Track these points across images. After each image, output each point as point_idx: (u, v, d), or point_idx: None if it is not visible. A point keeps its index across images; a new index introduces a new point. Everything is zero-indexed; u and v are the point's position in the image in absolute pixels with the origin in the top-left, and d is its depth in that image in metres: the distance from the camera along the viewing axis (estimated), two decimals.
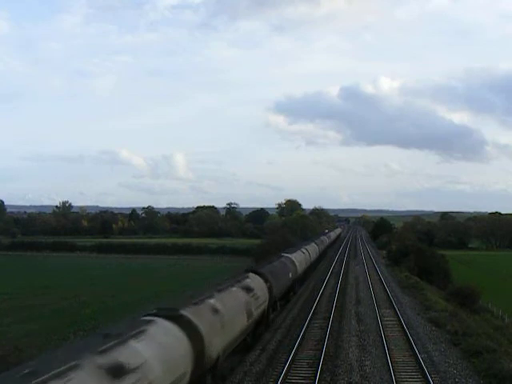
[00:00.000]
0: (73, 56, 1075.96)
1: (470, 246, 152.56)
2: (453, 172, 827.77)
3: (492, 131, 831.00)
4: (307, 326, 24.95)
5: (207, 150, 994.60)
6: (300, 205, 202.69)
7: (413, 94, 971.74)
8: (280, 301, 26.81)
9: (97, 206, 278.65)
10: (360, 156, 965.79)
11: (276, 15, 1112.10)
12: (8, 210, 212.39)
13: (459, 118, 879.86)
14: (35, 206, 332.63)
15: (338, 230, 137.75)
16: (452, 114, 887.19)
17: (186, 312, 12.10)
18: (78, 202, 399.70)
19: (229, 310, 14.88)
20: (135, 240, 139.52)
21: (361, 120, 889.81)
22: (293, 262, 32.27)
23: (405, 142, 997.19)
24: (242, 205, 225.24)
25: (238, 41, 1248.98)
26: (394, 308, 30.76)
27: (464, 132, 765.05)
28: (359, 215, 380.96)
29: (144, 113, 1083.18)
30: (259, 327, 21.40)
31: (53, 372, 7.12)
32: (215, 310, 13.77)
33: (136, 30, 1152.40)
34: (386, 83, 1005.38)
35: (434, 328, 25.52)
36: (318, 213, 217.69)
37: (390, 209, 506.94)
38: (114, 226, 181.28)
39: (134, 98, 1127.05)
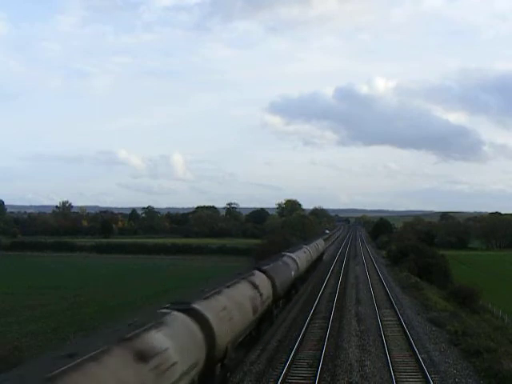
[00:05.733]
0: (71, 56, 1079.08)
1: (470, 246, 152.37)
2: (451, 172, 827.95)
3: (488, 131, 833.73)
4: (307, 326, 24.97)
5: (205, 150, 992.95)
6: (300, 205, 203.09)
7: (408, 94, 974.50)
8: None
9: (97, 206, 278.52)
10: (358, 156, 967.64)
11: (271, 16, 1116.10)
12: (8, 210, 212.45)
13: (455, 118, 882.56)
14: (35, 206, 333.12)
15: (320, 245, 62.64)
16: (448, 114, 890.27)
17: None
18: (77, 202, 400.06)
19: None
20: (135, 240, 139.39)
21: (356, 120, 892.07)
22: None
23: (402, 142, 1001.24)
24: (242, 205, 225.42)
25: (233, 42, 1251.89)
26: (394, 308, 30.78)
27: (461, 132, 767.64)
28: (359, 215, 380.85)
29: (141, 113, 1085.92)
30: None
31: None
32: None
33: (132, 31, 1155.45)
34: (381, 83, 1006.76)
35: (433, 328, 25.55)
36: (318, 213, 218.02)
37: (390, 209, 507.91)
38: (113, 226, 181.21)
39: (131, 99, 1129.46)
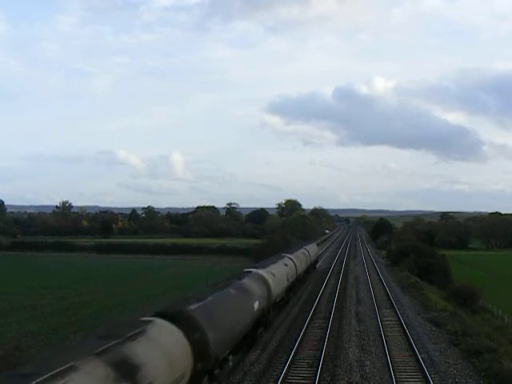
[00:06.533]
0: (71, 56, 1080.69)
1: (470, 246, 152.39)
2: (451, 172, 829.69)
3: (488, 131, 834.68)
4: (307, 326, 24.96)
5: (205, 150, 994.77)
6: (300, 205, 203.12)
7: (407, 94, 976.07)
8: None
9: (97, 206, 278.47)
10: (357, 156, 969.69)
11: (270, 16, 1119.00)
12: (8, 210, 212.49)
13: (454, 118, 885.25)
14: (35, 206, 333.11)
15: (312, 251, 49.06)
16: (447, 114, 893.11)
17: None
18: (77, 202, 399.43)
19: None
20: (135, 240, 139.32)
21: (356, 120, 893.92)
22: None
23: (401, 142, 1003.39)
24: (242, 205, 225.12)
25: (233, 42, 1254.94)
26: (394, 308, 30.78)
27: (460, 132, 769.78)
28: (359, 215, 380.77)
29: (141, 113, 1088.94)
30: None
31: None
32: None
33: (132, 31, 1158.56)
34: (381, 83, 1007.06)
35: (433, 328, 25.54)
36: (318, 213, 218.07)
37: (390, 209, 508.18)
38: (113, 226, 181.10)
39: (131, 99, 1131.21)
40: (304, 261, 39.26)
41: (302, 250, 42.17)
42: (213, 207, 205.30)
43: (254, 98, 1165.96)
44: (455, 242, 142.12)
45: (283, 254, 33.67)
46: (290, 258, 32.54)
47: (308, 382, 16.91)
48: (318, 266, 56.19)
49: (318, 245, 71.43)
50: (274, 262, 27.69)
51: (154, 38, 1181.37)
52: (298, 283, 35.49)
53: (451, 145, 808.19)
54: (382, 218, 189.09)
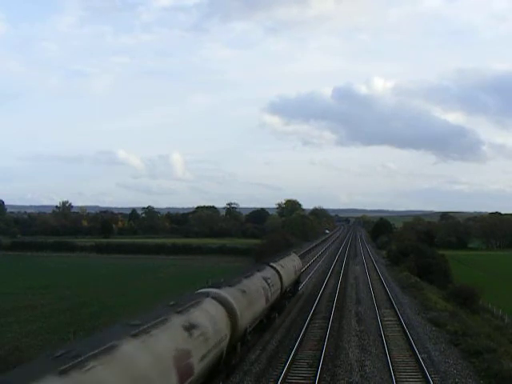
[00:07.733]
0: (71, 57, 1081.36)
1: (470, 246, 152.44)
2: (450, 172, 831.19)
3: (487, 131, 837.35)
4: (307, 326, 24.96)
5: (205, 150, 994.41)
6: (300, 205, 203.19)
7: (407, 94, 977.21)
8: None
9: (96, 206, 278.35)
10: (357, 156, 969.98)
11: (269, 17, 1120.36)
12: (8, 210, 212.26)
13: (454, 118, 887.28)
14: (35, 206, 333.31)
15: (288, 271, 28.79)
16: (446, 114, 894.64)
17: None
18: (77, 202, 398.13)
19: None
20: (135, 240, 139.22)
21: (355, 120, 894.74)
22: None
23: (401, 142, 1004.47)
24: (242, 205, 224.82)
25: (232, 42, 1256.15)
26: (394, 308, 30.78)
27: (459, 132, 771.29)
28: (359, 215, 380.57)
29: (141, 113, 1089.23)
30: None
31: None
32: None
33: (131, 31, 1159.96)
34: (380, 83, 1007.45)
35: (433, 328, 25.54)
36: (318, 213, 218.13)
37: (390, 209, 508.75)
38: (113, 226, 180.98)
39: (130, 99, 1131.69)
40: (263, 297, 20.58)
41: (265, 272, 23.44)
42: (213, 207, 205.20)
43: (253, 98, 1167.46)
44: (455, 241, 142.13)
45: (209, 291, 15.49)
46: (224, 300, 15.16)
47: (308, 382, 16.91)
48: (315, 268, 53.47)
49: (301, 256, 53.28)
50: (158, 324, 10.25)
51: (153, 38, 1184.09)
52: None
53: (451, 145, 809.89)
54: (382, 218, 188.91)
